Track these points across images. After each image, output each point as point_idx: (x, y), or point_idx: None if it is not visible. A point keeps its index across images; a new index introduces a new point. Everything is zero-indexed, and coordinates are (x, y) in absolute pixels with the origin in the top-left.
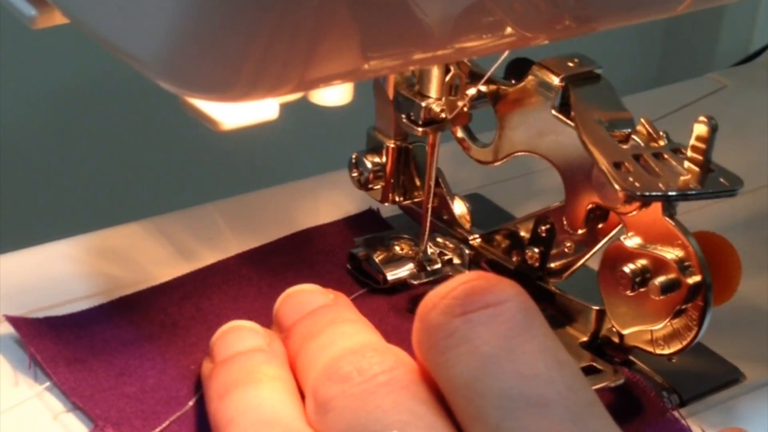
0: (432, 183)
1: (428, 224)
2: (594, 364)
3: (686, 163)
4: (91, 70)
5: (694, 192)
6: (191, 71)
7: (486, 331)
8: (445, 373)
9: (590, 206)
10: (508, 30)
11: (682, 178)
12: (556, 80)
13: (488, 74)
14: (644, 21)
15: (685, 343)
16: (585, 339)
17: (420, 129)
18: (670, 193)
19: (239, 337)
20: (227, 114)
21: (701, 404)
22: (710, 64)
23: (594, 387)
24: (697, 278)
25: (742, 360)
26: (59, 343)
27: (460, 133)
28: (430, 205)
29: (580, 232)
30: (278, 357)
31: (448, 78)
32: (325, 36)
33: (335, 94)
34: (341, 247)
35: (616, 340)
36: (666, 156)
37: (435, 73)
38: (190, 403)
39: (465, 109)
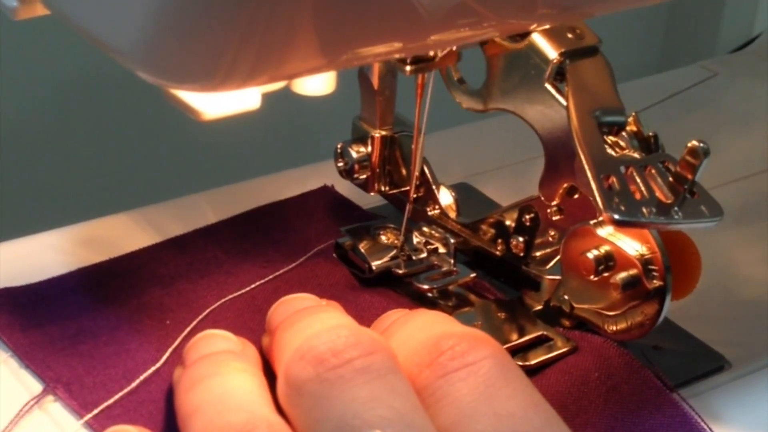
0: (419, 133)
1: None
2: (545, 333)
3: (670, 178)
4: (77, 63)
5: (674, 221)
6: (169, 62)
7: (465, 384)
8: None
9: (567, 185)
10: (489, 17)
11: (664, 201)
12: (554, 54)
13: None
14: (625, 9)
15: (633, 333)
16: (539, 307)
17: (408, 68)
18: (651, 221)
19: (211, 342)
20: (209, 104)
21: (686, 391)
22: (712, 51)
23: (548, 356)
24: (658, 283)
25: (727, 348)
26: (15, 312)
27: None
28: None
29: (554, 203)
30: (250, 358)
31: None
32: (302, 27)
33: (317, 84)
34: (298, 219)
35: (566, 308)
36: (653, 171)
37: None
38: (150, 371)
39: (453, 47)
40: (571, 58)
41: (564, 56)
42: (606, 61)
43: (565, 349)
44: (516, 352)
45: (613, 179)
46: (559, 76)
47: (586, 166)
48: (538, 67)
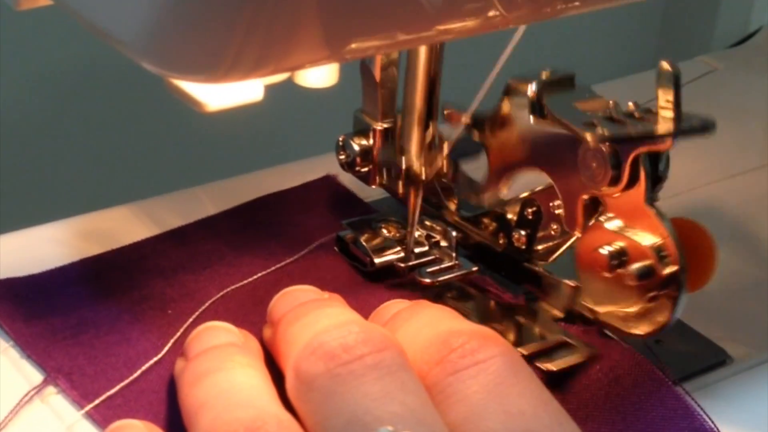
0: (413, 232)
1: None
2: (567, 339)
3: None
4: (78, 55)
5: (667, 134)
6: (173, 52)
7: (475, 382)
8: None
9: (585, 199)
10: (491, 8)
11: (654, 126)
12: (530, 88)
13: (463, 122)
14: (623, 4)
15: (655, 327)
16: (560, 315)
17: (401, 189)
18: (639, 131)
19: (213, 335)
20: (212, 95)
21: (688, 386)
22: (708, 46)
23: (569, 363)
24: (673, 268)
25: (729, 343)
26: (17, 302)
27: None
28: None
29: (578, 233)
30: (252, 351)
31: (428, 138)
32: (306, 18)
33: (320, 76)
34: (300, 211)
35: (589, 315)
36: (638, 115)
37: (415, 132)
38: (150, 363)
39: (444, 162)
40: (547, 89)
41: (539, 86)
42: (586, 86)
43: (590, 355)
44: (531, 358)
45: (597, 123)
46: (543, 111)
47: (568, 124)
48: (521, 107)
